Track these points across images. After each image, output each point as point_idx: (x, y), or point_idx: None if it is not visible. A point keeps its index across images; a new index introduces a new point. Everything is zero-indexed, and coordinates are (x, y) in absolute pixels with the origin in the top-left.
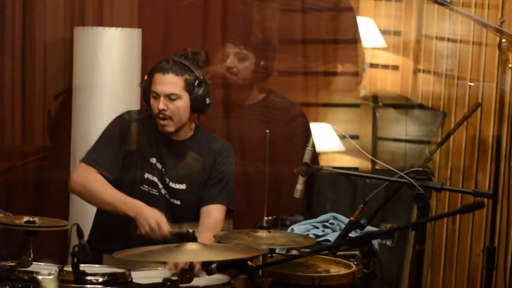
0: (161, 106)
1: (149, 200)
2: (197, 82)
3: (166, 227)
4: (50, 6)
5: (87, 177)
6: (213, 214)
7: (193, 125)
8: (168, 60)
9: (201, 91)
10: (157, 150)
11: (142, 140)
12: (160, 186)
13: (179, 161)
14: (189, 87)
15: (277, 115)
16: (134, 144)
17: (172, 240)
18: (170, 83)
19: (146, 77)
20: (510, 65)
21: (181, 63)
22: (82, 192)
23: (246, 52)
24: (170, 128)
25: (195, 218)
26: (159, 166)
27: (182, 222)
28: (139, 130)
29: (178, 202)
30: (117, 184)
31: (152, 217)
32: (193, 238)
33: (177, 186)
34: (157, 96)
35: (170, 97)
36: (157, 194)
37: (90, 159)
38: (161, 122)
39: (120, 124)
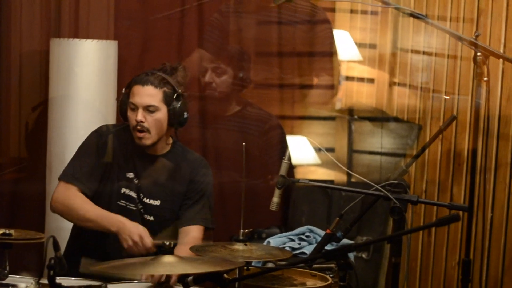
0: (140, 117)
1: (126, 215)
2: (175, 95)
3: (149, 239)
4: (26, 17)
5: (67, 195)
6: (191, 234)
7: (170, 140)
8: (147, 72)
9: (179, 105)
10: (133, 164)
11: (119, 154)
12: (137, 201)
13: (154, 176)
14: (167, 100)
15: (253, 126)
16: (111, 159)
17: (155, 253)
18: (149, 94)
19: (123, 91)
20: (485, 78)
21: (160, 76)
22: (63, 211)
23: (224, 66)
24: (147, 141)
25: (169, 234)
26: (136, 181)
27: (156, 239)
28: (116, 144)
29: (152, 218)
30: (95, 199)
31: (134, 231)
32: (169, 251)
33: (151, 201)
34: (135, 108)
35: (148, 109)
36: (134, 209)
37: (68, 176)
38: (139, 134)
39: (97, 138)
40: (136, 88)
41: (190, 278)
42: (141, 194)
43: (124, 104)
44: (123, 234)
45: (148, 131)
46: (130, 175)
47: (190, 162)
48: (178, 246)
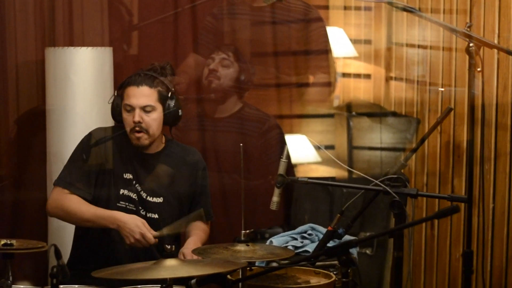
0: (137, 118)
1: None
2: (170, 94)
3: (149, 234)
4: (20, 27)
5: (62, 199)
6: (200, 225)
7: (164, 138)
8: (139, 73)
9: (173, 103)
10: (130, 165)
11: (114, 156)
12: (138, 201)
13: (154, 174)
14: (162, 99)
15: (252, 127)
16: (106, 161)
17: (157, 244)
18: (144, 95)
19: (115, 93)
20: (478, 69)
21: (153, 75)
22: (60, 214)
23: (232, 60)
24: (146, 141)
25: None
26: (134, 181)
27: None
28: (111, 146)
29: (156, 216)
30: (93, 203)
31: (135, 230)
32: (171, 254)
33: (154, 199)
34: (131, 110)
35: (145, 109)
36: (134, 209)
37: (65, 182)
38: (137, 135)
39: (90, 142)
40: (130, 89)
41: (193, 280)
42: (142, 193)
43: (117, 106)
44: (123, 232)
45: (146, 131)
46: (128, 176)
47: (188, 159)
48: (191, 238)
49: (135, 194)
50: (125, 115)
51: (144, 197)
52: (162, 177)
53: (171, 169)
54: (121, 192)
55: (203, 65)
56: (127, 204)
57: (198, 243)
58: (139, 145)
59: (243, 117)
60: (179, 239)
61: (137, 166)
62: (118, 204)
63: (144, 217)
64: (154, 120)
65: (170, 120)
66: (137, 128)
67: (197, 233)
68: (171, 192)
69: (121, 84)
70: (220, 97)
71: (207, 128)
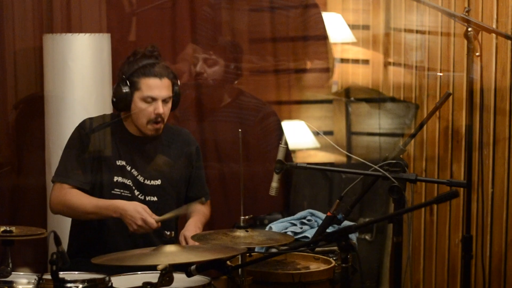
0: (161, 110)
1: None
2: (177, 81)
3: (151, 220)
4: (18, 14)
5: (63, 195)
6: (200, 207)
7: None
8: (152, 64)
9: (177, 90)
10: (124, 151)
11: (106, 144)
12: (133, 187)
13: (148, 158)
14: (173, 88)
15: (248, 115)
16: (98, 151)
17: (159, 229)
18: (166, 86)
19: (127, 82)
20: (477, 54)
21: (165, 65)
22: (63, 211)
23: (215, 57)
24: (160, 130)
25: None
26: (128, 167)
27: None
28: (102, 135)
29: (155, 199)
30: (90, 193)
31: (136, 216)
32: (171, 240)
33: (152, 182)
34: (152, 101)
35: (165, 100)
36: (129, 195)
37: (62, 176)
38: (156, 126)
39: (81, 133)
40: (152, 81)
41: (193, 267)
42: (139, 177)
43: (129, 96)
44: (126, 219)
45: (163, 121)
46: (121, 162)
47: (179, 136)
48: (191, 219)
49: (129, 180)
50: (143, 105)
51: (142, 181)
52: (158, 159)
53: (166, 151)
54: (115, 180)
55: (198, 52)
56: (121, 191)
57: (198, 224)
58: (154, 134)
59: (239, 106)
60: (177, 224)
61: (132, 151)
62: (112, 192)
63: (143, 201)
64: (169, 109)
65: (174, 106)
66: (159, 120)
67: (197, 214)
68: (169, 173)
69: (132, 73)
70: (213, 91)
71: (205, 118)
